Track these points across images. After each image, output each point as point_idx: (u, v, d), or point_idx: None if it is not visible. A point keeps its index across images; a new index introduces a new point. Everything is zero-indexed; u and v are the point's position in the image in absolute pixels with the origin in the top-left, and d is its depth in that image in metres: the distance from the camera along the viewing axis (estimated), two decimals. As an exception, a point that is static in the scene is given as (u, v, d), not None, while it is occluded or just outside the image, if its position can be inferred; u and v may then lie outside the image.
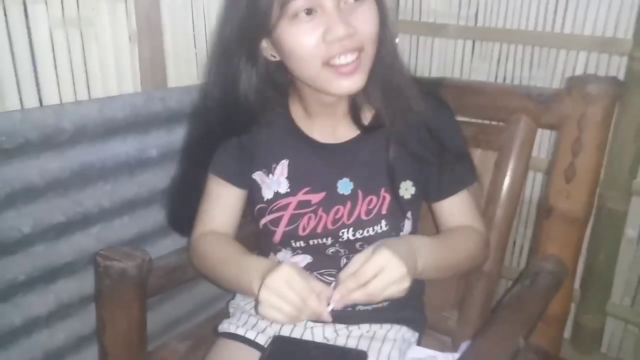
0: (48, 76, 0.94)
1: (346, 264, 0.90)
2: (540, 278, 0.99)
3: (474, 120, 1.12)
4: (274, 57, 0.82)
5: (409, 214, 0.90)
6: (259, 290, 0.73)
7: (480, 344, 0.80)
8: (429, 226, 1.00)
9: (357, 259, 0.75)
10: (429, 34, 1.61)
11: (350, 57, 0.75)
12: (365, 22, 0.76)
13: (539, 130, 1.45)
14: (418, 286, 0.90)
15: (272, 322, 0.94)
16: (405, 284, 0.73)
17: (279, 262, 0.84)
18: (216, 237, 0.93)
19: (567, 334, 1.63)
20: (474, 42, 1.56)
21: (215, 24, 1.17)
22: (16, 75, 0.90)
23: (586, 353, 1.61)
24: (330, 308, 0.74)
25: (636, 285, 1.50)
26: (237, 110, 0.86)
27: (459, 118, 1.09)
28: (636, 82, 1.34)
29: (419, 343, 1.00)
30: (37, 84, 0.93)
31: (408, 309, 0.93)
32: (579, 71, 1.42)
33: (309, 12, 0.74)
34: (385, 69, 0.82)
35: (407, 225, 0.90)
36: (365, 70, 0.78)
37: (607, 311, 1.56)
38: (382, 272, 0.71)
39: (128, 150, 1.07)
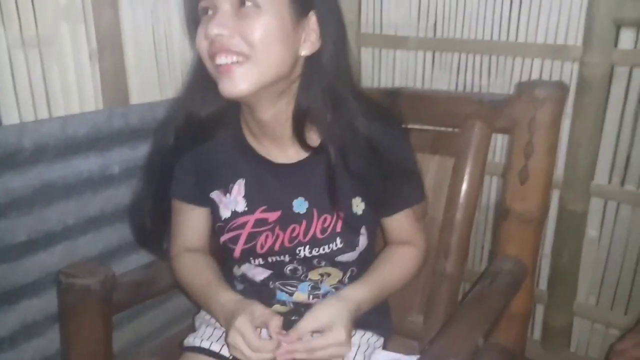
0: (7, 96, 0.95)
1: (305, 280, 0.94)
2: (500, 278, 1.01)
3: (430, 127, 1.15)
4: None
5: (362, 230, 0.92)
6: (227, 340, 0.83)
7: (439, 343, 0.82)
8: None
9: (313, 321, 0.82)
10: (390, 47, 1.65)
11: (224, 59, 0.77)
12: (252, 30, 0.76)
13: (499, 136, 1.51)
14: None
15: None
16: (344, 355, 0.82)
17: (241, 304, 0.86)
18: (189, 260, 0.97)
19: (537, 335, 1.66)
20: (434, 52, 1.61)
21: (176, 41, 1.19)
22: (-26, 95, 0.91)
23: (556, 352, 1.64)
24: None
25: (600, 285, 1.54)
26: (189, 123, 0.88)
27: (416, 126, 1.12)
28: (587, 87, 1.39)
29: (385, 347, 1.02)
30: (-4, 104, 0.94)
31: (373, 314, 0.94)
32: (534, 77, 1.47)
33: (206, 11, 0.80)
34: (326, 89, 0.83)
35: (362, 240, 0.92)
36: (249, 78, 0.78)
37: (574, 311, 1.59)
38: (331, 347, 0.80)
39: (91, 168, 1.08)
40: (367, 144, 0.87)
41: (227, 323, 0.85)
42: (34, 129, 0.98)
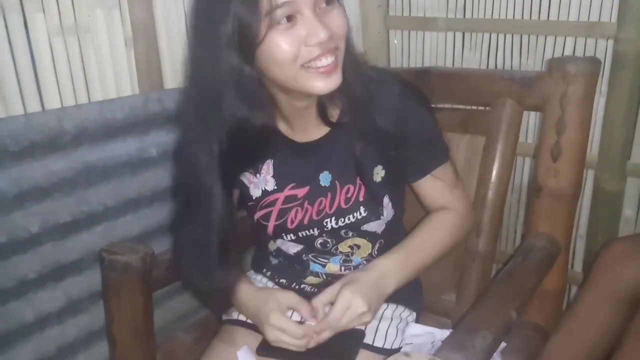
0: (49, 82, 0.99)
1: (336, 254, 0.97)
2: (532, 254, 1.02)
3: (461, 106, 1.15)
4: None
5: (386, 199, 0.93)
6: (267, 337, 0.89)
7: (472, 316, 0.83)
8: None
9: (328, 292, 0.86)
10: (420, 28, 1.64)
11: (330, 59, 0.78)
12: (339, 25, 0.79)
13: (531, 117, 1.50)
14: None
15: None
16: (366, 317, 0.84)
17: (261, 297, 0.92)
18: None
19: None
20: (463, 33, 1.59)
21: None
22: (18, 81, 0.94)
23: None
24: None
25: (636, 266, 1.52)
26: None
27: (446, 105, 1.13)
28: (622, 64, 1.36)
29: (417, 323, 1.03)
30: (39, 90, 0.97)
31: (404, 289, 0.96)
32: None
33: (290, 18, 0.75)
34: (346, 69, 0.84)
35: (387, 210, 0.94)
36: (340, 69, 0.81)
37: (609, 292, 1.57)
38: (346, 311, 0.83)
39: (129, 151, 1.11)
40: (383, 116, 0.89)
41: (257, 320, 0.91)
42: (74, 113, 1.02)
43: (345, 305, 0.83)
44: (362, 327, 0.92)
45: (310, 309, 0.88)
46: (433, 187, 0.95)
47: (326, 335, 0.86)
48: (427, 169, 0.94)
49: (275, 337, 0.87)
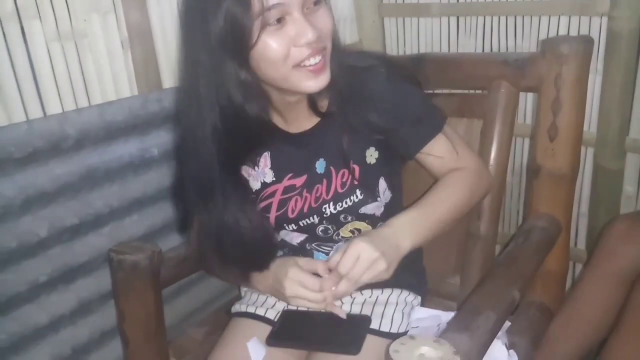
0: (49, 87, 1.00)
1: (338, 240, 0.98)
2: (533, 235, 1.03)
3: (457, 91, 1.15)
4: None
5: (382, 181, 0.95)
6: (285, 295, 0.90)
7: (475, 299, 0.85)
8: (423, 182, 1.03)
9: (337, 252, 0.86)
10: (414, 15, 1.65)
11: (318, 58, 0.80)
12: (326, 24, 0.81)
13: (529, 97, 1.50)
14: (415, 250, 0.95)
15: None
16: (380, 266, 0.82)
17: (280, 261, 0.95)
18: None
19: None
20: (457, 18, 1.59)
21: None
22: (19, 88, 0.95)
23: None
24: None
25: (639, 242, 1.53)
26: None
27: (443, 90, 1.13)
28: (617, 41, 1.36)
29: (422, 306, 1.05)
30: (39, 96, 0.98)
31: (407, 273, 0.97)
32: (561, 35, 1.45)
33: (279, 20, 0.77)
34: (332, 63, 0.86)
35: (384, 192, 0.95)
36: (329, 67, 0.83)
37: (613, 269, 1.58)
38: (357, 260, 0.82)
39: (131, 151, 1.13)
40: (369, 101, 0.90)
41: (276, 282, 0.92)
42: (75, 118, 1.03)
43: (355, 253, 0.82)
44: (369, 313, 0.94)
45: (325, 267, 0.89)
46: (434, 158, 0.96)
47: (343, 287, 0.85)
48: (421, 144, 0.95)
49: (294, 291, 0.89)
